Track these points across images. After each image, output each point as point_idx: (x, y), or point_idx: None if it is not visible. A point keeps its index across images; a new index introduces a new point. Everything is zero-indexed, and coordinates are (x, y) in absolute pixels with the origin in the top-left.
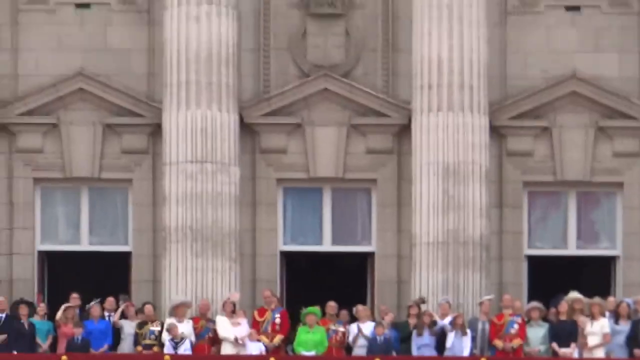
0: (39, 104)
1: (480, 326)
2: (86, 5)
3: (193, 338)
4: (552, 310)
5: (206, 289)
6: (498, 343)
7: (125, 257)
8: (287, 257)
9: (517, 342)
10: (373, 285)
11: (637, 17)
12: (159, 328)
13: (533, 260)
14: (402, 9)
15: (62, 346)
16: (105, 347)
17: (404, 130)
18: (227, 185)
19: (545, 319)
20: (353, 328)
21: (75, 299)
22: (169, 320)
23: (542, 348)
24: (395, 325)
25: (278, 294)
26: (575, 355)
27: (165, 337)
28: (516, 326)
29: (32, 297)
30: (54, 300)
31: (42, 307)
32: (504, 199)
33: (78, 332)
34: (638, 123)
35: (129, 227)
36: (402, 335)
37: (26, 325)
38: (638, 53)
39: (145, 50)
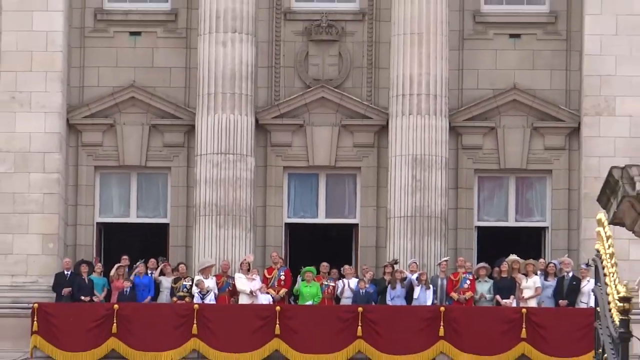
0: (100, 109)
1: (439, 282)
2: (138, 33)
3: (216, 291)
4: (496, 269)
5: (227, 253)
6: (454, 295)
7: (164, 227)
8: (290, 227)
9: (468, 294)
10: (357, 250)
11: (565, 42)
12: (190, 283)
13: (481, 230)
14: (382, 37)
15: (114, 297)
16: (148, 298)
17: (383, 130)
18: (245, 172)
19: (490, 276)
20: (341, 283)
21: (125, 260)
22: (198, 277)
23: (488, 297)
24: (374, 281)
25: (283, 257)
26: (514, 304)
27: (195, 290)
28: (468, 282)
29: (91, 258)
30: (108, 261)
31: (99, 267)
32: (459, 182)
33: (127, 286)
34: (564, 124)
35: (168, 204)
36: (379, 288)
37: (86, 281)
38: (565, 70)
39: (183, 68)
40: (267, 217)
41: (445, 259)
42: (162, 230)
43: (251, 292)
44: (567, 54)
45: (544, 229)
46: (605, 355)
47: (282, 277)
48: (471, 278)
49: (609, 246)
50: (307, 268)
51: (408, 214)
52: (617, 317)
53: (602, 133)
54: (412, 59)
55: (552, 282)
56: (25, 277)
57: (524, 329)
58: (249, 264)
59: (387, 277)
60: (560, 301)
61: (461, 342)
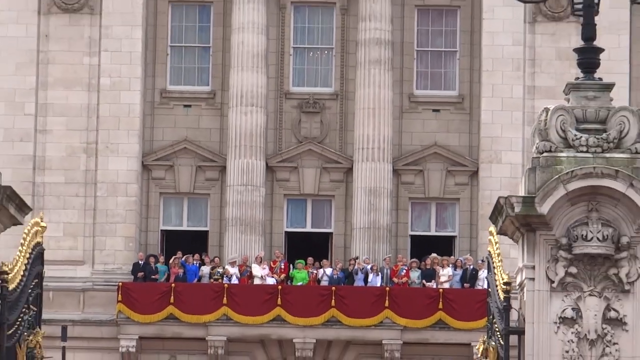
0: (163, 155)
1: (385, 271)
2: (189, 106)
3: (239, 275)
4: (423, 263)
5: (246, 250)
6: (395, 279)
7: (205, 233)
8: (288, 234)
9: (404, 279)
10: (332, 249)
11: (468, 115)
12: (221, 270)
13: (413, 238)
14: (349, 110)
15: (172, 279)
16: (195, 280)
17: (350, 170)
18: (258, 197)
19: (419, 267)
20: (321, 271)
21: (179, 254)
22: (227, 266)
23: (417, 281)
24: (343, 270)
25: (283, 253)
26: (434, 286)
27: (224, 275)
28: (404, 271)
29: (157, 253)
30: (168, 255)
31: (162, 258)
32: (399, 205)
33: (180, 272)
34: (467, 168)
35: (208, 217)
36: (346, 275)
37: (153, 268)
38: (468, 133)
39: (218, 129)
40: (272, 227)
41: (389, 255)
42: (203, 235)
43: (262, 276)
44: (469, 122)
45: (454, 237)
46: (494, 320)
47: (282, 267)
48: (406, 269)
49: (497, 249)
50: (299, 260)
51: (365, 226)
52: (502, 295)
53: (492, 175)
54: (369, 124)
55: (459, 272)
56: (114, 265)
57: (441, 303)
58: (261, 258)
59: (351, 268)
60: (465, 284)
61: (400, 310)
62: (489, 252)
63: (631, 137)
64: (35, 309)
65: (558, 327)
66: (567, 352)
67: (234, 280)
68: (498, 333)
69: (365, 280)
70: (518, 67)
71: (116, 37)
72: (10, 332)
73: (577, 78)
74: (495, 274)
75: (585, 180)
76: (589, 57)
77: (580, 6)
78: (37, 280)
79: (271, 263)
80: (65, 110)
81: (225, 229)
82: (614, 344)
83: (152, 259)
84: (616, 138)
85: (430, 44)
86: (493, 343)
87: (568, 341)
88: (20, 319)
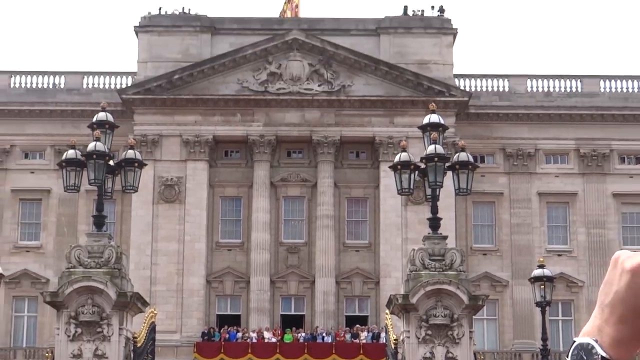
0: (216, 276)
1: (332, 334)
2: (230, 249)
3: (257, 337)
4: (352, 329)
5: (261, 324)
6: (338, 339)
7: (239, 316)
8: (282, 316)
9: (343, 338)
10: (304, 323)
11: (374, 253)
12: (247, 335)
13: (347, 317)
14: (314, 251)
15: (222, 339)
16: (234, 340)
17: (313, 283)
18: (267, 296)
19: (350, 332)
20: (299, 334)
21: (225, 327)
22: (250, 333)
23: (349, 339)
24: (311, 334)
25: (280, 326)
26: (358, 341)
27: (249, 338)
28: (342, 334)
29: (215, 326)
30: (220, 327)
31: (217, 329)
32: (339, 299)
33: (226, 336)
34: (374, 280)
35: (240, 307)
36: (313, 337)
37: (212, 334)
38: (374, 262)
39: (245, 262)
40: (274, 312)
41: (334, 327)
42: (238, 317)
43: (268, 338)
44: (374, 257)
45: (367, 315)
46: (390, 358)
47: (279, 333)
48: (343, 333)
49: (390, 322)
50: (287, 329)
51: (322, 311)
52: (393, 345)
53: (387, 283)
54: (325, 258)
55: (370, 334)
56: (191, 333)
57: (361, 349)
58: (267, 328)
59: (315, 333)
60: (374, 340)
61: (341, 354)
62: (386, 323)
63: (457, 263)
64: (152, 356)
65: None
66: None
67: (254, 339)
68: None
69: (323, 339)
70: (398, 228)
71: (192, 214)
72: None
73: (429, 233)
74: (389, 335)
75: (434, 286)
76: (434, 223)
77: (429, 197)
78: (152, 341)
79: (273, 331)
80: (166, 253)
81: (249, 314)
82: None
83: (212, 329)
84: (450, 264)
85: (354, 216)
86: None
87: None
88: None
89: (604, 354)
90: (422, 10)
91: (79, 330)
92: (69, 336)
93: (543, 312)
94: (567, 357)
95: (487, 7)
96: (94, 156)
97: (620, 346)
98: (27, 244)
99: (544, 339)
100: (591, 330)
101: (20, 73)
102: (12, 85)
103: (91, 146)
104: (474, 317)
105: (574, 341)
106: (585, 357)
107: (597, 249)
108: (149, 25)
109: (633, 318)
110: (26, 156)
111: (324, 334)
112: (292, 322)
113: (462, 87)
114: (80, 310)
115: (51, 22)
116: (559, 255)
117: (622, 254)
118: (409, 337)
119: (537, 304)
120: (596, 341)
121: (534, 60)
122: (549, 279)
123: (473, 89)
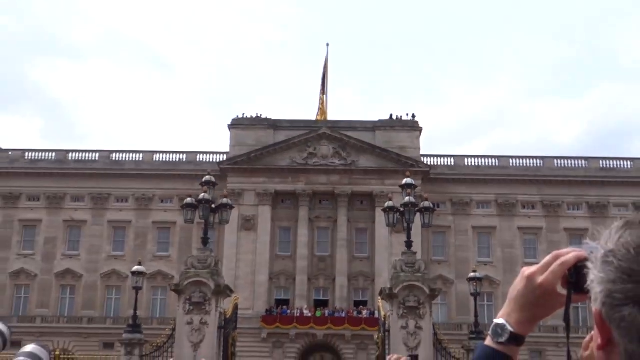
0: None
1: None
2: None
3: (302, 312)
4: (358, 309)
5: (304, 304)
6: (350, 315)
7: (288, 300)
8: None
9: (354, 314)
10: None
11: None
12: (295, 311)
13: (355, 302)
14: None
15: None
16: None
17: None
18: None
19: (357, 312)
20: (325, 311)
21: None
22: (298, 309)
23: (355, 314)
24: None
25: (313, 306)
26: (361, 316)
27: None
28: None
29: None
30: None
31: (277, 309)
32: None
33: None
34: (370, 279)
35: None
36: (332, 313)
37: (274, 312)
38: (370, 267)
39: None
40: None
41: (347, 307)
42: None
43: (307, 312)
44: (371, 265)
45: (367, 300)
46: (381, 328)
47: (312, 309)
48: (353, 311)
49: (381, 304)
50: (318, 308)
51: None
52: (383, 319)
53: (379, 282)
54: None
55: (369, 312)
56: (259, 309)
57: (363, 322)
58: (306, 307)
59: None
60: (371, 315)
61: (350, 323)
62: (379, 305)
63: (422, 269)
64: (235, 324)
65: (400, 330)
66: (404, 338)
67: (297, 314)
68: (382, 332)
69: (340, 314)
70: (387, 247)
71: (261, 238)
72: (226, 332)
73: (405, 250)
74: (381, 312)
75: (408, 282)
76: (409, 244)
77: (406, 228)
78: (235, 315)
79: (309, 309)
80: (245, 261)
81: (295, 299)
82: (419, 335)
83: (272, 307)
84: (418, 269)
85: (360, 239)
86: (380, 335)
87: (407, 334)
88: (230, 328)
89: (512, 330)
90: (401, 116)
91: (191, 307)
92: (185, 311)
93: (475, 300)
94: (490, 332)
95: (444, 112)
96: (203, 202)
97: (522, 325)
98: (161, 254)
99: (476, 316)
100: (503, 314)
101: (158, 152)
102: (154, 159)
103: (201, 196)
104: (432, 302)
105: (493, 321)
106: (500, 332)
107: (507, 261)
108: (236, 124)
109: (529, 308)
110: (162, 201)
111: (341, 312)
112: (321, 303)
113: (426, 162)
114: (192, 295)
115: (175, 119)
116: (485, 264)
117: (526, 268)
118: (392, 314)
119: (472, 295)
120: (507, 322)
121: (472, 145)
122: (479, 279)
123: (433, 163)
